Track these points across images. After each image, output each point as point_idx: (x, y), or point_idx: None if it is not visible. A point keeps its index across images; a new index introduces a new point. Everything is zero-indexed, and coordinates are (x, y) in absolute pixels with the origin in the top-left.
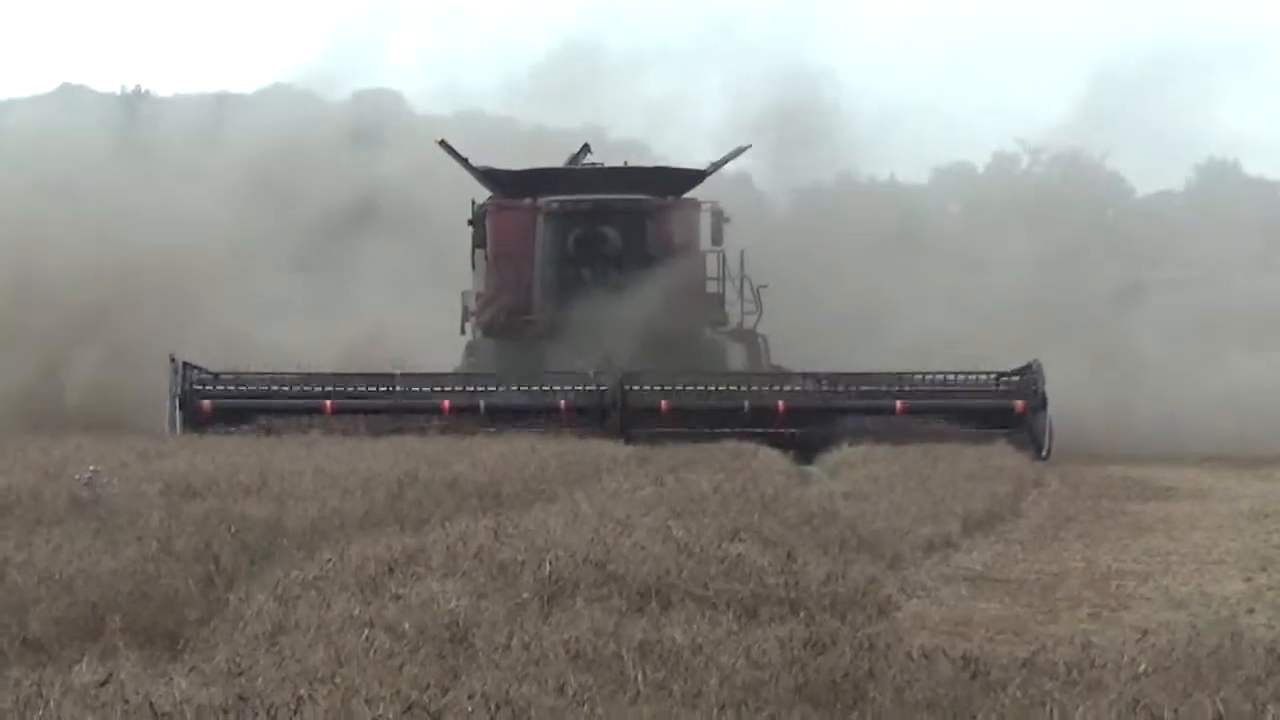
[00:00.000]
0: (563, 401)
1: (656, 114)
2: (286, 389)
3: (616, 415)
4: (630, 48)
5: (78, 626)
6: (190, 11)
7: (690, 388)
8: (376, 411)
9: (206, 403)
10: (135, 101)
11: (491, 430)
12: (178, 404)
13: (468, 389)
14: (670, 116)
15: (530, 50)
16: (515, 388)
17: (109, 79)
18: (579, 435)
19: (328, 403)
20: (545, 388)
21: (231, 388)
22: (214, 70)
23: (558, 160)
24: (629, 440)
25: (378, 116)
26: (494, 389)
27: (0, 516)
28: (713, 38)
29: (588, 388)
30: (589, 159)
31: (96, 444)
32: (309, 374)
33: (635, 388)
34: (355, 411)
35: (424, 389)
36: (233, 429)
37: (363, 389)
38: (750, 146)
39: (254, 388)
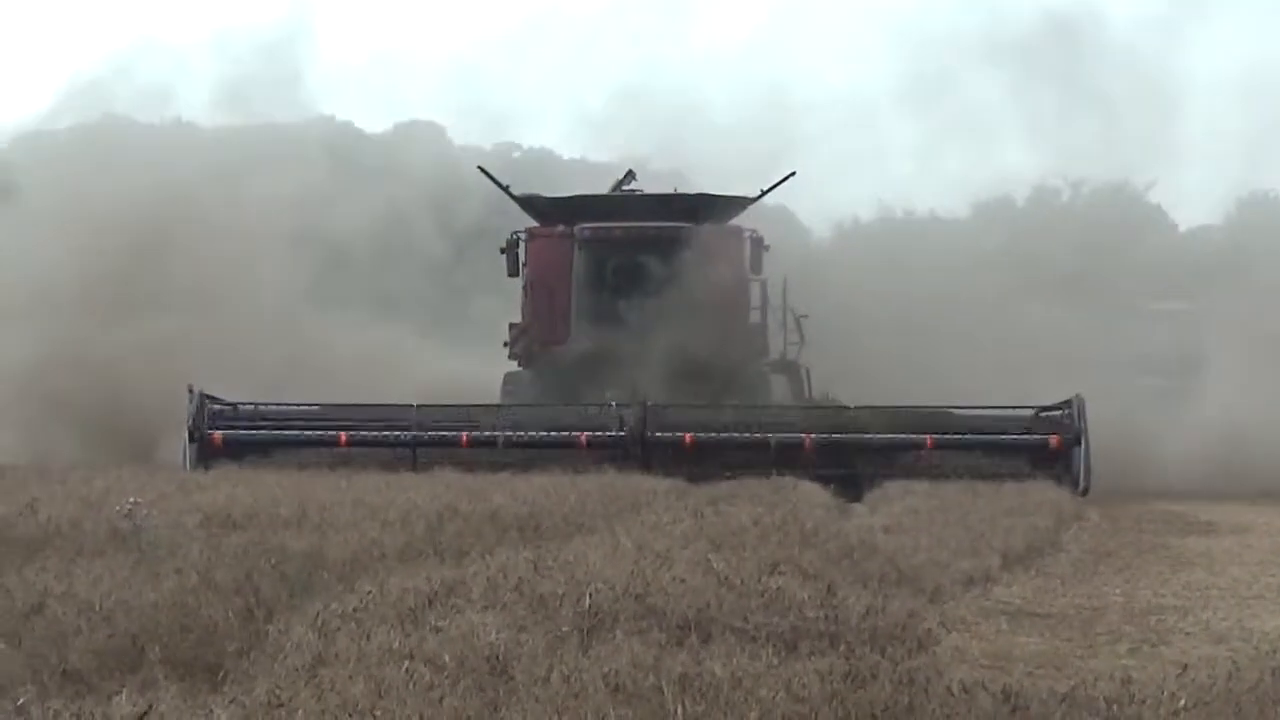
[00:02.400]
0: (583, 436)
1: (697, 146)
2: (300, 422)
3: (638, 450)
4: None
5: (118, 658)
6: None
7: (715, 422)
8: (393, 445)
9: (217, 434)
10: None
11: (507, 464)
12: (187, 436)
13: (486, 422)
14: (711, 149)
15: (576, 87)
16: (534, 421)
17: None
18: (598, 471)
19: (342, 435)
20: (565, 421)
21: (246, 420)
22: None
23: (602, 189)
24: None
25: (416, 147)
26: (513, 422)
27: (40, 548)
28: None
29: (609, 422)
30: (633, 185)
31: (137, 475)
32: (326, 405)
33: (658, 422)
34: (371, 445)
35: (442, 422)
36: (239, 462)
37: (378, 421)
38: (795, 174)
39: (268, 420)
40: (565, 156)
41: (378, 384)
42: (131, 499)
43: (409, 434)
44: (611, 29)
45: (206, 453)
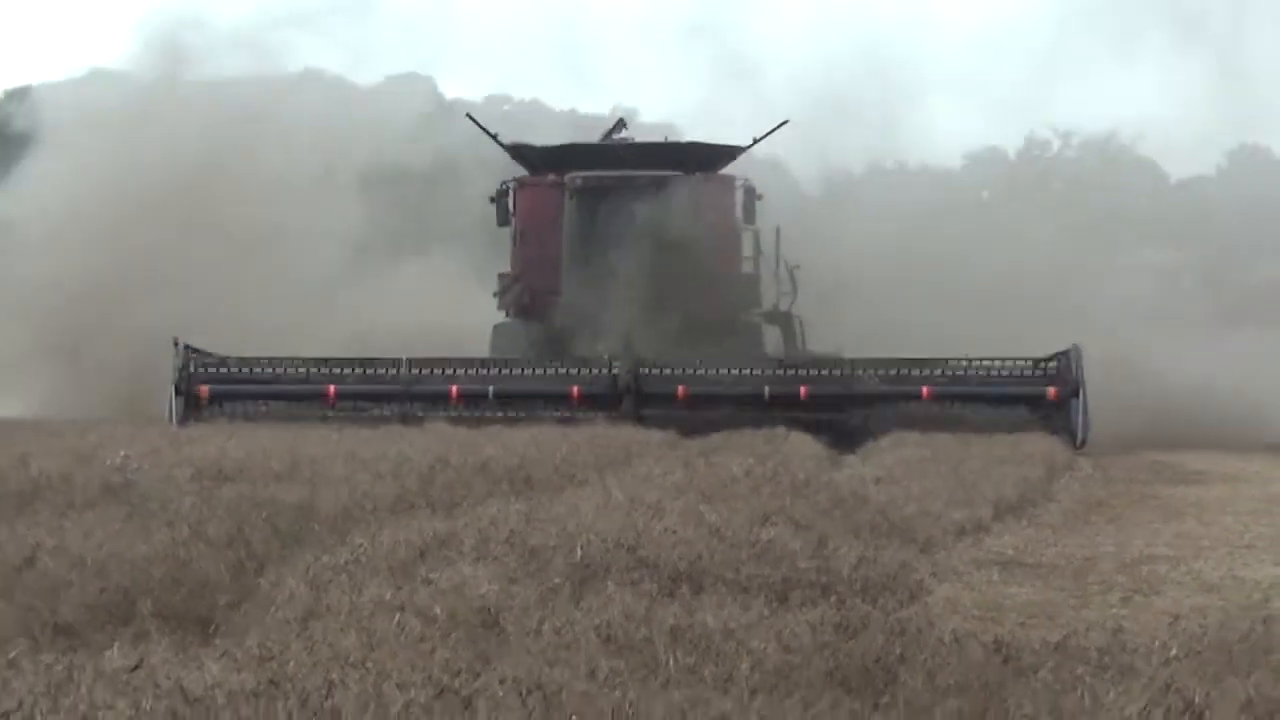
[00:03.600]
0: (575, 387)
1: (687, 95)
2: (289, 374)
3: (631, 401)
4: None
5: (109, 611)
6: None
7: (708, 372)
8: (381, 398)
9: (204, 388)
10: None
11: (499, 416)
12: (174, 390)
13: (478, 373)
14: (701, 98)
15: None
16: (525, 372)
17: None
18: (590, 422)
19: (331, 389)
20: (557, 373)
21: (234, 372)
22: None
23: (592, 139)
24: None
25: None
26: (504, 374)
27: (32, 501)
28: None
29: (601, 372)
30: (624, 134)
31: (129, 429)
32: (315, 359)
33: (650, 372)
34: (360, 398)
35: (432, 374)
36: (226, 415)
37: (369, 374)
38: (788, 122)
39: (256, 372)
40: (556, 109)
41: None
42: (123, 452)
43: (397, 387)
44: None
45: (193, 407)
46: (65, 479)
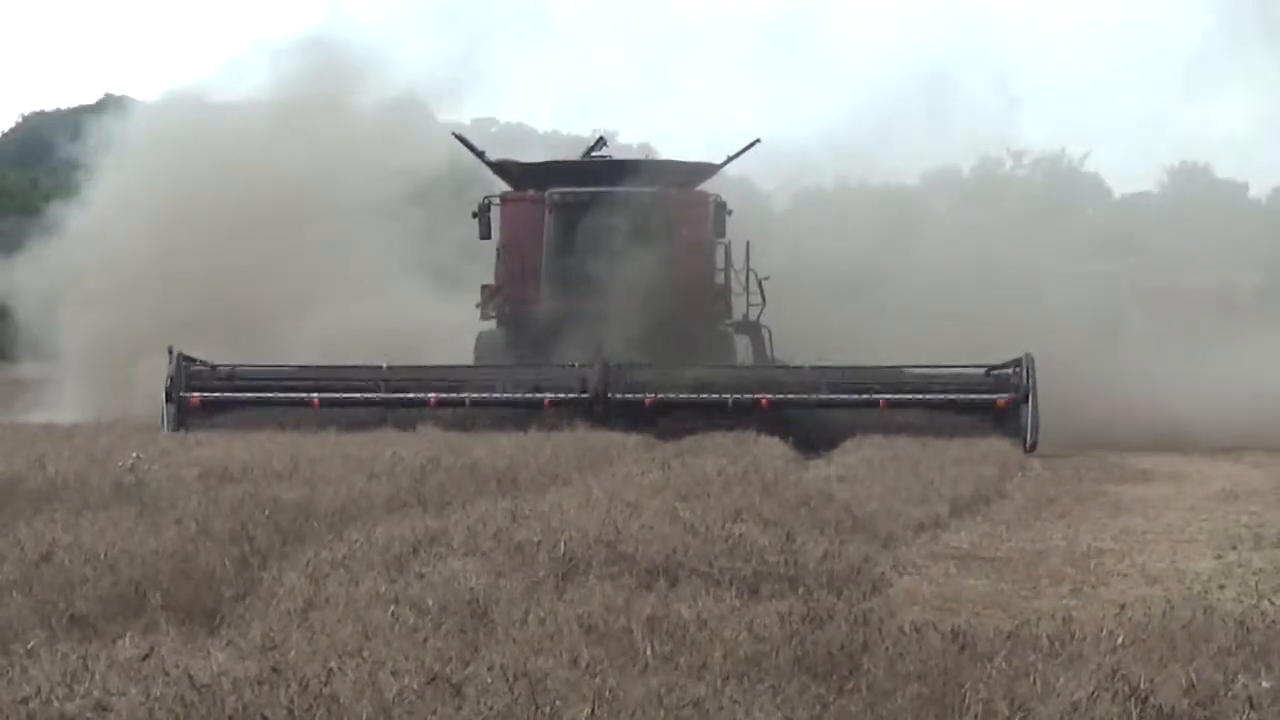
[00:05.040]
0: (547, 396)
1: (665, 116)
2: (274, 381)
3: (601, 410)
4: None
5: (121, 604)
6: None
7: (675, 382)
8: (363, 405)
9: (195, 396)
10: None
11: (473, 424)
12: (165, 397)
13: (454, 382)
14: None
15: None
16: (499, 382)
17: (148, 88)
18: (569, 427)
19: (315, 398)
20: (530, 381)
21: (224, 382)
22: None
23: (573, 157)
24: None
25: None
26: (480, 382)
27: (48, 501)
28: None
29: (572, 382)
30: (603, 152)
31: (139, 433)
32: (299, 367)
33: (620, 382)
34: (342, 405)
35: (411, 382)
36: (215, 424)
37: (350, 382)
38: (760, 141)
39: (245, 382)
40: (541, 130)
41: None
42: (134, 454)
43: (379, 394)
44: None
45: (185, 414)
46: (80, 479)
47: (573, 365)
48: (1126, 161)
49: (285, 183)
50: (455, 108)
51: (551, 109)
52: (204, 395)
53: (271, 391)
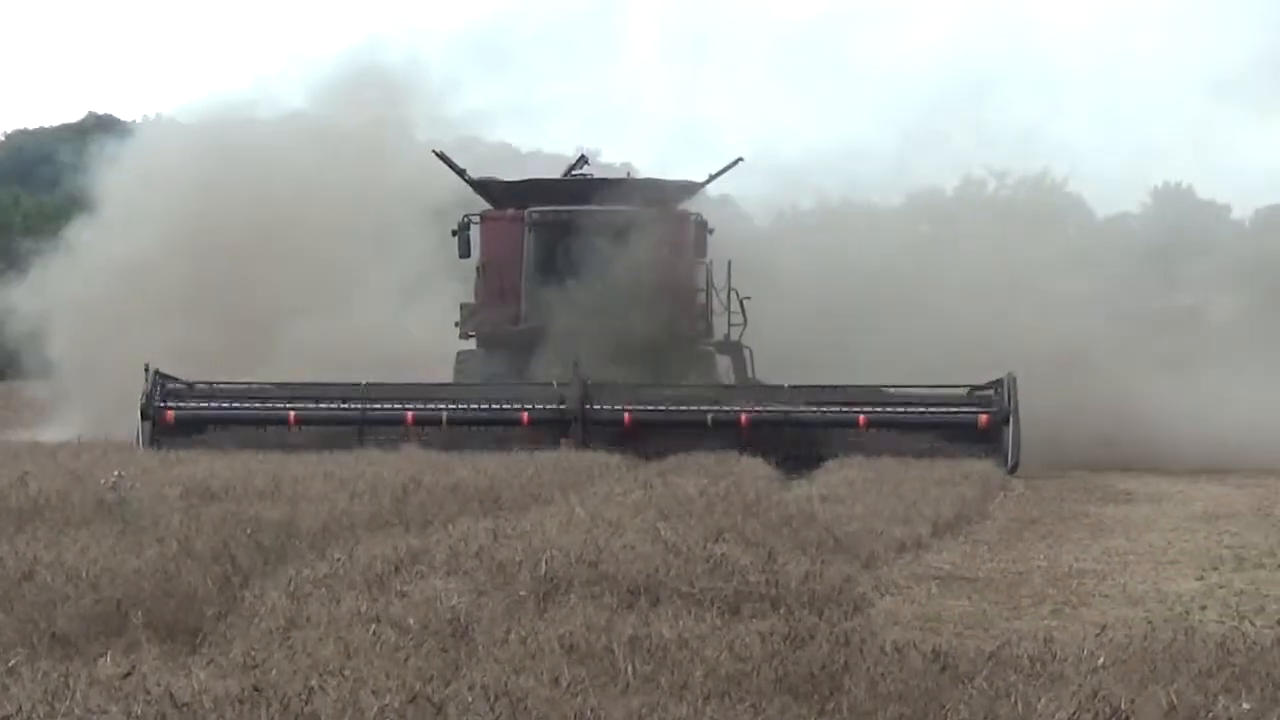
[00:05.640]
0: (524, 414)
1: (648, 136)
2: (250, 399)
3: (578, 428)
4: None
5: (103, 622)
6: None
7: (653, 401)
8: (341, 423)
9: (170, 413)
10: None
11: (451, 442)
12: (140, 415)
13: (430, 401)
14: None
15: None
16: (476, 400)
17: (129, 108)
18: (538, 449)
19: (291, 414)
20: (506, 400)
21: (200, 399)
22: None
23: (555, 175)
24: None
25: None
26: (457, 401)
27: (30, 519)
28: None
29: (549, 401)
30: (585, 170)
31: (122, 450)
32: (276, 384)
33: (597, 401)
34: (320, 423)
35: (389, 400)
36: (190, 441)
37: (327, 399)
38: (743, 160)
39: (221, 399)
40: (524, 150)
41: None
42: (116, 472)
43: (356, 411)
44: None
45: (160, 431)
46: (62, 497)
47: (550, 384)
48: (1109, 182)
49: (317, 202)
50: (489, 128)
51: (533, 127)
52: (179, 412)
53: (247, 408)
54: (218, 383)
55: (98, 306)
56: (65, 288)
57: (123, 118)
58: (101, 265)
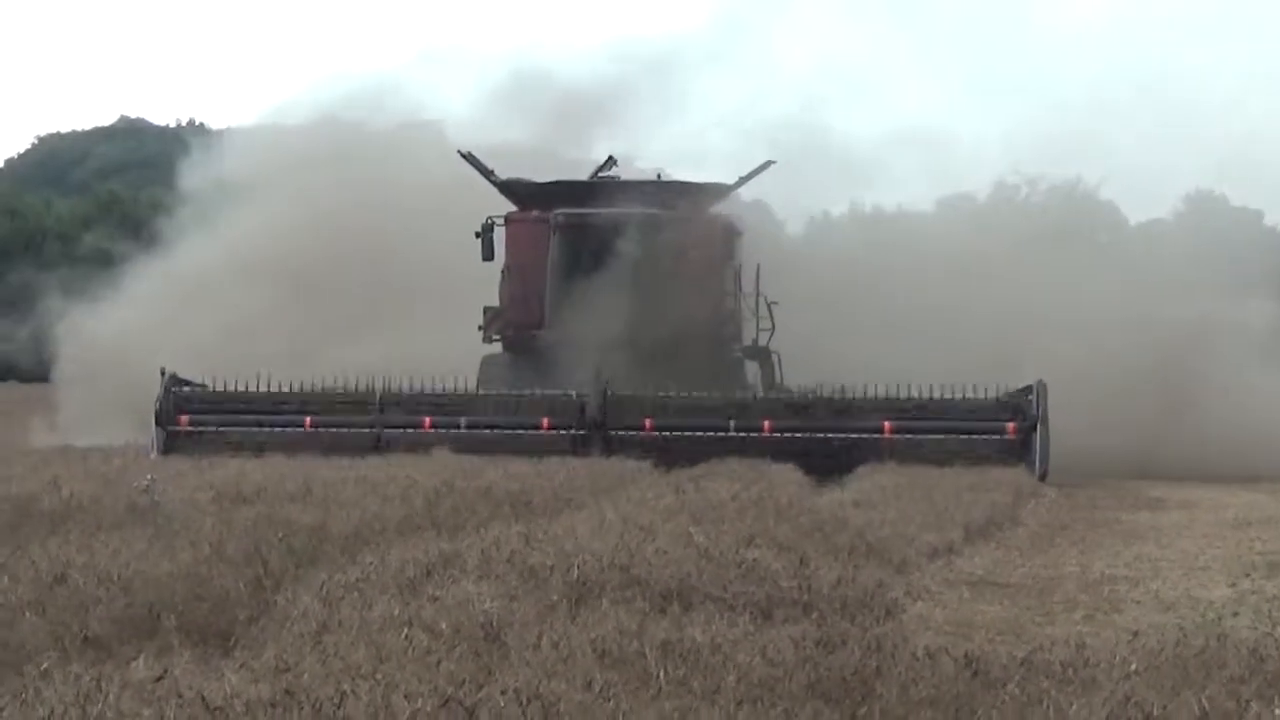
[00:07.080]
0: (545, 420)
1: (676, 141)
2: (266, 404)
3: (599, 435)
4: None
5: (135, 625)
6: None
7: (676, 405)
8: (356, 429)
9: (184, 418)
10: (189, 134)
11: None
12: (153, 420)
13: (449, 407)
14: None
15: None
16: (495, 407)
17: (162, 112)
18: (557, 455)
19: (306, 420)
20: (527, 406)
21: (214, 405)
22: (256, 101)
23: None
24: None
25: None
26: (477, 408)
27: (63, 522)
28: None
29: (570, 406)
30: (613, 171)
31: (154, 454)
32: (293, 391)
33: (619, 406)
34: (335, 428)
35: (406, 406)
36: (204, 447)
37: (342, 406)
38: (774, 163)
39: (236, 405)
40: (556, 153)
41: None
42: (148, 476)
43: (373, 418)
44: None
45: (174, 438)
46: (94, 501)
47: (570, 394)
48: (1142, 188)
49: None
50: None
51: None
52: (193, 417)
53: (263, 413)
54: (230, 390)
55: (157, 317)
56: (134, 295)
57: (154, 121)
58: (165, 275)
